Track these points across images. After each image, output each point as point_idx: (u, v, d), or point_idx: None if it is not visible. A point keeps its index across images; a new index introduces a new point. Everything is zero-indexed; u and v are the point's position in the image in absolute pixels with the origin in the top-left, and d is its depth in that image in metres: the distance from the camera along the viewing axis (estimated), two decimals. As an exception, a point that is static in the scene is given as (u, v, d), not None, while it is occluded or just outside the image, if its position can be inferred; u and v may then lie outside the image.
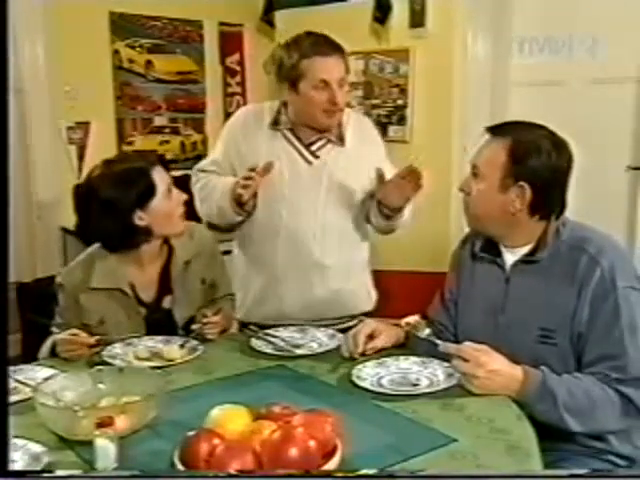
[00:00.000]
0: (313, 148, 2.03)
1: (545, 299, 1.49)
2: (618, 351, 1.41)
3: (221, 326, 1.81)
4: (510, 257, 1.58)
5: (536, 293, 1.51)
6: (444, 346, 1.47)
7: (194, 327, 1.78)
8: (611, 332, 1.43)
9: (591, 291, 1.45)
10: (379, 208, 1.99)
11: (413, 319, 1.60)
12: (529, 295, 1.52)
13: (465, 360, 1.40)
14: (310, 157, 2.02)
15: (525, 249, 1.56)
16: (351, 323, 2.04)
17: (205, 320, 1.77)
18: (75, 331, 1.68)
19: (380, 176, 1.93)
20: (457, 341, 1.55)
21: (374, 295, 2.19)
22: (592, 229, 1.56)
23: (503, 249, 1.59)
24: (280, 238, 2.01)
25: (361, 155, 2.04)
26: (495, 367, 1.39)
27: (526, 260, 1.55)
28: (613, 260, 1.46)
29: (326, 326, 1.89)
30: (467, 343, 1.43)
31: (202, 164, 2.14)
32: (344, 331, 1.79)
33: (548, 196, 1.52)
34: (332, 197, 2.01)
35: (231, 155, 2.05)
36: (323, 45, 1.95)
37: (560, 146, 1.53)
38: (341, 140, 2.04)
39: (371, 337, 1.63)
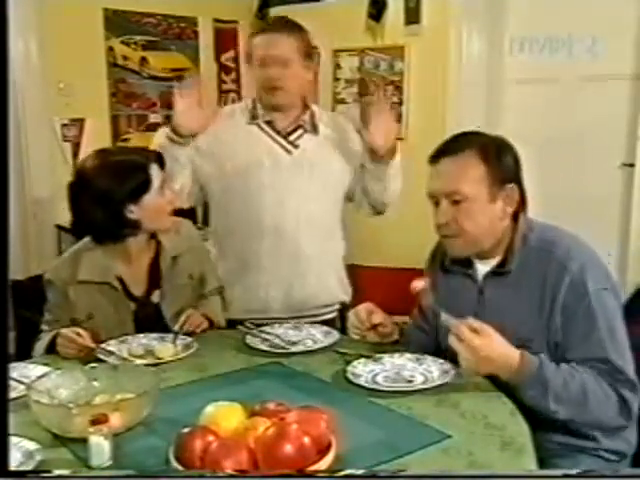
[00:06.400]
0: (291, 138, 2.06)
1: (519, 309, 1.46)
2: (600, 355, 1.39)
3: (201, 318, 1.81)
4: (482, 268, 1.56)
5: (509, 304, 1.48)
6: (446, 318, 1.42)
7: (177, 327, 1.76)
8: (589, 338, 1.40)
9: (562, 298, 1.42)
10: (371, 158, 2.00)
11: (420, 284, 1.55)
12: (503, 306, 1.49)
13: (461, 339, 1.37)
14: (290, 147, 2.05)
15: (495, 260, 1.54)
16: (332, 315, 2.11)
17: (183, 318, 1.77)
18: (80, 332, 1.67)
19: (358, 130, 1.97)
20: (440, 347, 1.55)
21: (349, 288, 2.23)
22: (559, 231, 1.53)
23: (475, 260, 1.57)
24: (263, 229, 2.02)
25: (335, 142, 2.07)
26: (488, 354, 1.35)
27: (496, 272, 1.53)
28: (582, 263, 1.44)
29: (307, 316, 1.97)
30: (468, 322, 1.37)
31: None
32: (326, 323, 1.91)
33: (524, 188, 1.53)
34: (314, 186, 2.04)
35: (210, 146, 2.03)
36: (272, 24, 2.03)
37: (506, 141, 1.54)
38: (315, 129, 2.07)
39: (369, 314, 1.66)
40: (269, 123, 2.06)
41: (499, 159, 1.48)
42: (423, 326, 1.72)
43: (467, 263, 1.58)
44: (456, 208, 1.49)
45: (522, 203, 1.53)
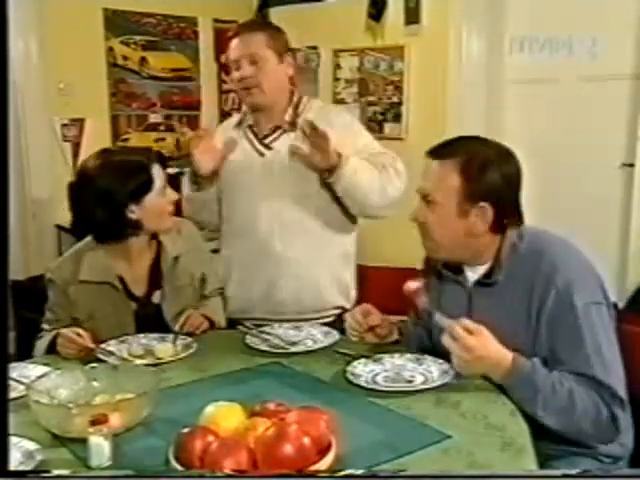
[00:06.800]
0: (267, 141, 2.05)
1: (506, 320, 1.44)
2: (586, 372, 1.37)
3: (201, 319, 1.81)
4: (471, 275, 1.55)
5: (497, 314, 1.46)
6: (439, 318, 1.42)
7: (177, 328, 1.76)
8: (576, 354, 1.38)
9: (548, 311, 1.41)
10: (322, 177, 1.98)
11: (414, 284, 1.53)
12: (491, 315, 1.46)
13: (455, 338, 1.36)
14: (262, 149, 2.05)
15: (483, 268, 1.52)
16: (327, 320, 2.05)
17: (183, 318, 1.77)
18: (80, 332, 1.67)
19: (293, 152, 1.96)
20: (435, 350, 1.54)
21: (353, 292, 2.15)
22: (551, 240, 1.50)
23: (465, 267, 1.56)
24: (243, 234, 2.05)
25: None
26: (481, 354, 1.35)
27: (483, 282, 1.52)
28: (570, 276, 1.41)
29: (297, 320, 1.92)
30: (462, 322, 1.37)
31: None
32: (327, 325, 1.87)
33: (508, 210, 1.48)
34: (288, 187, 2.01)
35: None
36: (240, 27, 2.06)
37: (507, 154, 1.49)
38: (293, 127, 2.04)
39: (366, 315, 1.67)
40: (250, 127, 2.08)
41: (480, 175, 1.44)
42: (419, 325, 1.71)
43: (457, 269, 1.57)
44: (429, 210, 1.49)
45: (497, 222, 1.47)
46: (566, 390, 1.36)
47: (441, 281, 1.61)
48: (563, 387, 1.36)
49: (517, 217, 1.51)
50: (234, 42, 2.02)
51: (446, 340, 1.38)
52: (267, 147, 2.05)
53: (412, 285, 1.53)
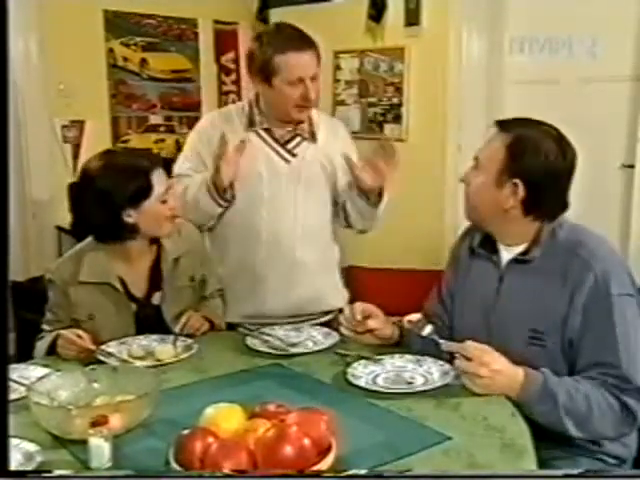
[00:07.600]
0: (289, 146, 2.03)
1: (536, 300, 1.48)
2: (612, 361, 1.39)
3: (202, 320, 1.81)
4: (505, 255, 1.57)
5: (528, 294, 1.50)
6: (447, 345, 1.47)
7: (177, 329, 1.76)
8: (605, 341, 1.41)
9: (583, 298, 1.43)
10: (358, 193, 1.98)
11: (415, 317, 1.59)
12: (521, 295, 1.51)
13: (468, 359, 1.40)
14: (288, 155, 2.02)
15: (520, 248, 1.55)
16: (325, 318, 2.09)
17: (183, 320, 1.77)
18: (81, 333, 1.67)
19: (347, 159, 1.93)
20: (453, 336, 1.55)
21: (345, 293, 2.20)
22: (588, 233, 1.54)
23: (500, 246, 1.59)
24: (261, 239, 2.01)
25: (334, 150, 2.04)
26: (497, 367, 1.38)
27: (519, 259, 1.54)
28: (606, 266, 1.44)
29: (301, 322, 1.94)
30: (469, 342, 1.42)
31: (179, 170, 2.05)
32: (322, 326, 1.89)
33: (543, 196, 1.51)
34: (310, 194, 2.02)
35: (206, 158, 2.00)
36: (297, 40, 1.94)
37: (563, 148, 1.52)
38: (313, 137, 2.05)
39: (367, 317, 1.67)
40: (267, 131, 2.03)
41: (521, 155, 1.49)
42: (441, 315, 1.71)
43: (492, 248, 1.60)
44: (475, 173, 1.56)
45: (527, 203, 1.51)
46: (582, 396, 1.38)
47: (473, 258, 1.65)
48: (579, 393, 1.38)
49: (557, 206, 1.54)
50: (298, 59, 1.91)
51: (460, 363, 1.41)
52: (291, 153, 2.03)
53: (413, 317, 1.59)
